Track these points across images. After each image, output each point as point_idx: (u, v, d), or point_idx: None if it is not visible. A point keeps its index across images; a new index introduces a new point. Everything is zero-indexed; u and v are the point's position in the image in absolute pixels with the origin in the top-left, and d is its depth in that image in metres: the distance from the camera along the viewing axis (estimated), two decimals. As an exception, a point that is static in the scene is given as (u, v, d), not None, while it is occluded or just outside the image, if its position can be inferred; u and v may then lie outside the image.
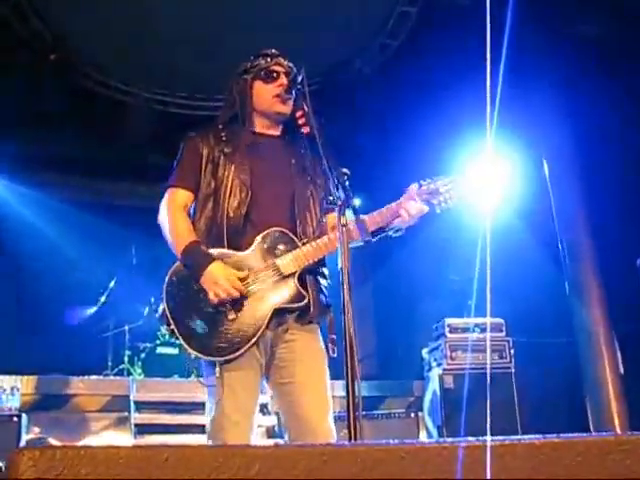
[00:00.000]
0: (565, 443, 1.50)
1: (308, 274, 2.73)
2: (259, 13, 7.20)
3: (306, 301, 2.69)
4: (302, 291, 2.68)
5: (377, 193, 8.08)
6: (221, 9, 7.22)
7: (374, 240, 2.73)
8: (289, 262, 2.69)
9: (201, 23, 7.37)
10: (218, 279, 2.59)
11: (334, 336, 2.75)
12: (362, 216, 2.66)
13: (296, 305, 2.69)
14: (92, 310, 7.45)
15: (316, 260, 2.71)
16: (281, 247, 2.72)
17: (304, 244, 2.73)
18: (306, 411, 2.68)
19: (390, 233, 2.82)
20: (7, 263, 7.80)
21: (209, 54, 7.45)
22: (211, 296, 2.60)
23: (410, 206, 2.77)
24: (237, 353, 2.60)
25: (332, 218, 2.91)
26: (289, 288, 2.68)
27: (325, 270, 2.85)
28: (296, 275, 2.69)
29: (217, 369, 2.62)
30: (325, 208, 2.93)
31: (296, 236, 2.75)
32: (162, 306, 2.67)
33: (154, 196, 2.93)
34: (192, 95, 8.42)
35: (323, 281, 2.82)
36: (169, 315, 2.64)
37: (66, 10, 7.18)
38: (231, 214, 2.75)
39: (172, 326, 2.63)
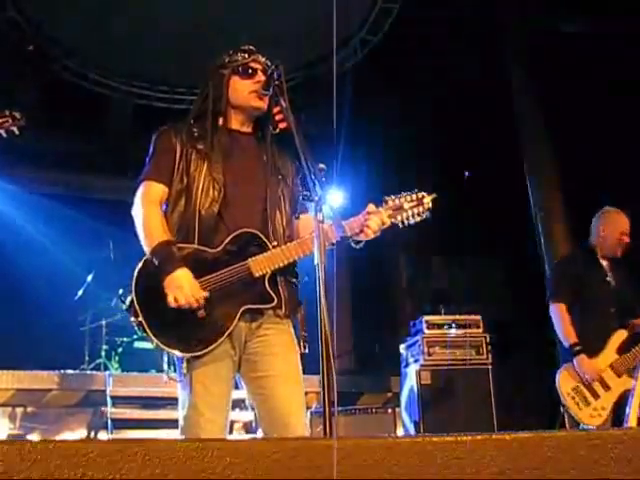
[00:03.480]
0: (535, 438, 1.52)
1: (278, 274, 2.74)
2: (242, 8, 7.18)
3: (275, 302, 2.69)
4: (271, 293, 2.69)
5: (356, 188, 8.16)
6: (202, 5, 7.20)
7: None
8: (260, 264, 2.68)
9: (182, 19, 7.35)
10: (182, 285, 2.58)
11: (305, 333, 2.77)
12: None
13: (265, 306, 2.70)
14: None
15: (286, 262, 2.72)
16: (252, 248, 2.71)
17: (275, 247, 2.73)
18: (279, 405, 2.68)
19: (351, 244, 2.83)
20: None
21: (190, 49, 7.41)
22: (170, 299, 2.59)
23: (373, 222, 2.78)
24: (205, 350, 2.60)
25: (305, 219, 2.93)
26: (259, 289, 2.68)
27: (295, 269, 2.86)
28: (267, 277, 2.69)
29: (184, 364, 2.62)
30: (296, 208, 2.95)
31: (267, 237, 2.75)
32: (130, 297, 2.65)
33: (134, 190, 2.91)
34: (172, 89, 8.39)
35: (293, 279, 2.83)
36: (137, 307, 2.62)
37: (46, 1, 7.13)
38: (203, 212, 2.73)
39: (140, 318, 2.61)
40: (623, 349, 4.55)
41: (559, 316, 4.69)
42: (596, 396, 4.49)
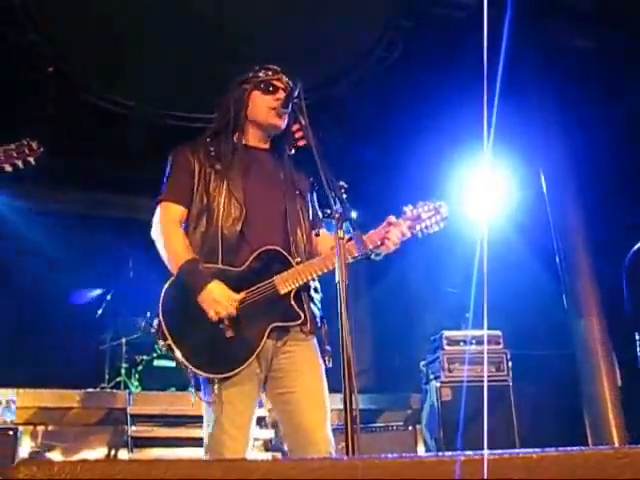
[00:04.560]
0: (563, 456, 1.50)
1: (303, 290, 2.74)
2: (258, 28, 7.22)
3: (302, 319, 2.69)
4: (298, 310, 2.69)
5: (375, 206, 8.15)
6: (219, 26, 7.24)
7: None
8: (285, 281, 2.69)
9: (200, 39, 7.40)
10: (218, 298, 2.60)
11: (329, 347, 2.77)
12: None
13: (292, 323, 2.70)
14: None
15: (311, 278, 2.72)
16: (276, 266, 2.72)
17: (298, 263, 2.73)
18: (304, 421, 2.68)
19: (372, 256, 2.82)
20: (5, 278, 7.78)
21: (207, 68, 7.46)
22: (211, 314, 2.60)
23: (393, 234, 2.78)
24: (235, 371, 2.60)
25: (324, 236, 2.93)
26: (285, 307, 2.69)
27: (317, 285, 2.86)
28: (292, 294, 2.69)
29: (216, 386, 2.61)
30: (315, 223, 2.96)
31: (289, 253, 2.76)
32: (157, 321, 2.65)
33: (151, 210, 2.93)
34: (189, 109, 8.43)
35: (316, 295, 2.84)
36: (165, 330, 2.63)
37: (64, 23, 7.20)
38: (225, 231, 2.75)
39: (169, 341, 2.61)
40: None
41: None
42: None
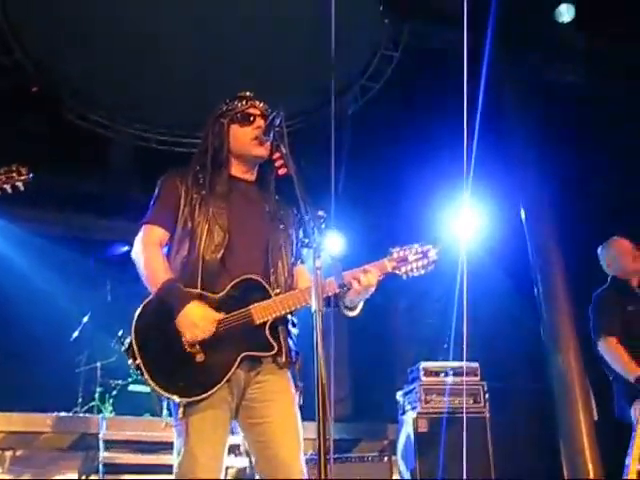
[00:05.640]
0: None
1: (279, 323, 2.72)
2: (242, 54, 7.27)
3: (275, 351, 2.67)
4: (272, 341, 2.67)
5: (355, 235, 8.17)
6: (202, 50, 7.29)
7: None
8: (262, 311, 2.67)
9: (185, 61, 7.44)
10: (196, 320, 2.58)
11: (301, 384, 2.77)
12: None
13: (264, 354, 2.68)
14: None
15: (288, 311, 2.70)
16: (255, 295, 2.70)
17: (277, 294, 2.72)
18: (278, 452, 2.65)
19: (343, 309, 2.79)
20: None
21: (190, 92, 7.50)
22: (188, 337, 2.57)
23: (365, 277, 2.71)
24: (202, 396, 2.57)
25: (305, 274, 2.92)
26: (259, 337, 2.66)
27: (294, 319, 2.84)
28: (267, 324, 2.68)
29: (181, 409, 2.58)
30: (297, 258, 2.95)
31: (269, 284, 2.74)
32: (129, 339, 2.63)
33: (133, 232, 2.91)
34: (172, 132, 8.45)
35: (294, 330, 2.82)
36: (136, 350, 2.60)
37: (49, 43, 7.22)
38: (207, 257, 2.73)
39: (138, 361, 2.59)
40: None
41: (616, 350, 4.46)
42: None
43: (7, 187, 3.21)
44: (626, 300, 4.70)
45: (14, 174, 3.22)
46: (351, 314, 2.82)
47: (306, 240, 2.41)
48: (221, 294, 2.70)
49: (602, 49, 7.16)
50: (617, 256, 4.84)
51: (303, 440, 2.73)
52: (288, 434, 2.69)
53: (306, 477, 2.66)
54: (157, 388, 2.56)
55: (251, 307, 2.67)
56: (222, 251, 2.75)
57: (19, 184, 3.23)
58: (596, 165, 6.87)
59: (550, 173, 6.88)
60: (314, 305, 2.27)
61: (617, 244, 4.89)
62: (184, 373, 2.59)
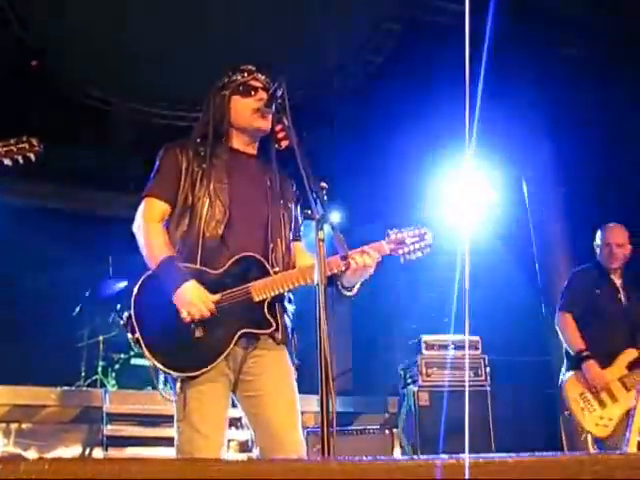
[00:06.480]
0: (538, 462, 1.50)
1: (277, 300, 2.73)
2: (243, 27, 7.20)
3: (273, 328, 2.67)
4: (270, 318, 2.68)
5: (357, 207, 8.16)
6: (203, 23, 7.22)
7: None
8: (261, 289, 2.67)
9: (183, 36, 7.37)
10: (193, 299, 2.57)
11: (297, 360, 2.81)
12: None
13: (262, 331, 2.68)
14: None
15: (287, 289, 2.70)
16: (254, 273, 2.71)
17: (276, 272, 2.72)
18: (275, 423, 2.67)
19: (341, 289, 2.79)
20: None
21: (191, 66, 7.43)
22: (184, 315, 2.58)
23: (360, 258, 2.71)
24: (201, 371, 2.58)
25: (303, 252, 2.93)
26: (258, 314, 2.67)
27: (291, 295, 2.85)
28: (266, 302, 2.67)
29: (178, 384, 2.60)
30: (296, 235, 2.96)
31: (268, 262, 2.74)
32: (127, 313, 2.63)
33: (134, 206, 2.90)
34: (173, 106, 8.39)
35: (290, 306, 2.83)
36: (135, 324, 2.60)
37: (49, 17, 7.15)
38: (207, 233, 2.73)
39: (137, 334, 2.59)
40: (632, 367, 4.52)
41: (566, 324, 4.75)
42: (602, 405, 4.46)
43: (19, 157, 3.20)
44: (597, 284, 4.85)
45: (26, 144, 3.20)
46: (348, 294, 2.83)
47: (308, 212, 2.40)
48: (220, 271, 2.70)
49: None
50: (601, 245, 4.90)
51: (303, 413, 2.75)
52: (284, 406, 2.71)
53: (304, 448, 2.68)
54: (155, 362, 2.57)
55: (250, 285, 2.67)
56: (222, 227, 2.74)
57: (31, 155, 3.21)
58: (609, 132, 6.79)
59: (557, 142, 6.83)
60: (317, 278, 2.26)
61: (608, 232, 4.92)
62: (182, 348, 2.60)
